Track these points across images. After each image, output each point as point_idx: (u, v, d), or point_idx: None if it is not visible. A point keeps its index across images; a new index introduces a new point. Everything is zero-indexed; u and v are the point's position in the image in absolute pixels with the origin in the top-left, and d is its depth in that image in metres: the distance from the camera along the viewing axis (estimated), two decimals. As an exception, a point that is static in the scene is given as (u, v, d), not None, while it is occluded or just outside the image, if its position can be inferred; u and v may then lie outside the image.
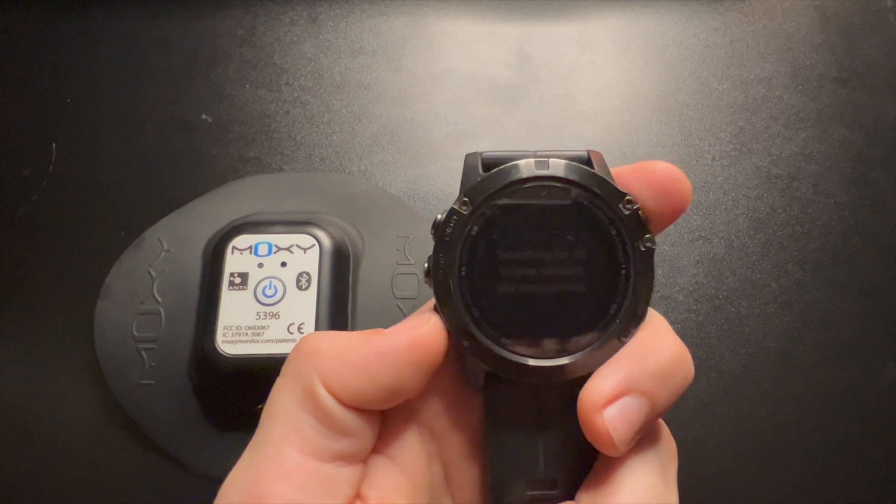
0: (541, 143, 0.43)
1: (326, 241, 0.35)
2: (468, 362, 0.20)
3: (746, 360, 0.38)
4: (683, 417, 0.37)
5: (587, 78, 0.45)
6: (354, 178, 0.41)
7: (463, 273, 0.19)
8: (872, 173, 0.43)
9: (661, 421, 0.20)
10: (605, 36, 0.46)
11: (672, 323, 0.39)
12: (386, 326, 0.19)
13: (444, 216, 0.19)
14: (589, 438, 0.18)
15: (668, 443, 0.20)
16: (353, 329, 0.35)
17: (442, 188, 0.42)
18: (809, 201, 0.42)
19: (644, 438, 0.19)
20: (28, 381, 0.36)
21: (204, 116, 0.43)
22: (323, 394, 0.18)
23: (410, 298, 0.36)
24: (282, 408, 0.18)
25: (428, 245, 0.39)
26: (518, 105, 0.44)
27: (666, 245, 0.40)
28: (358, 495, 0.18)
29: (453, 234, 0.19)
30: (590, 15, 0.47)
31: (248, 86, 0.45)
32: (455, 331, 0.19)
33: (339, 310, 0.34)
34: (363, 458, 0.19)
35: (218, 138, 0.43)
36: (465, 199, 0.19)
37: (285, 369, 0.19)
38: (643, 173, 0.19)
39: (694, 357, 0.38)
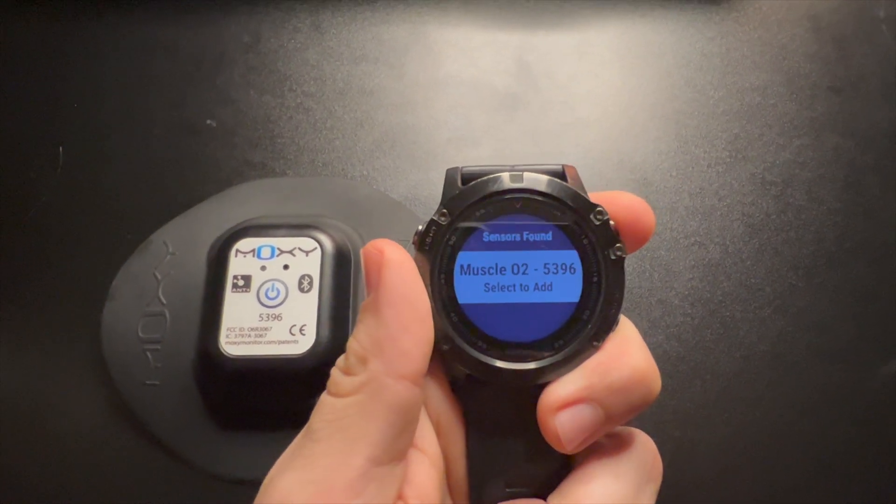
0: (539, 149, 0.44)
1: (328, 245, 0.36)
2: (449, 367, 0.21)
3: (741, 363, 0.39)
4: (678, 419, 0.37)
5: (585, 86, 0.46)
6: (356, 183, 0.42)
7: (442, 280, 0.20)
8: (865, 180, 0.43)
9: (650, 441, 0.21)
10: (603, 44, 0.47)
11: (668, 326, 0.39)
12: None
13: (424, 226, 0.20)
14: (543, 435, 0.19)
15: (650, 462, 0.20)
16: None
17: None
18: (803, 208, 0.43)
19: (625, 453, 0.20)
20: (36, 381, 0.37)
21: (209, 121, 0.44)
22: (393, 384, 0.18)
23: (411, 301, 0.37)
24: (348, 421, 0.18)
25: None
26: (518, 112, 0.45)
27: (662, 250, 0.41)
28: (400, 495, 0.19)
29: (433, 243, 0.20)
30: (588, 24, 0.48)
31: (252, 91, 0.45)
32: (435, 336, 0.20)
33: (340, 312, 0.35)
34: (407, 454, 0.19)
35: (223, 143, 0.44)
36: (444, 210, 0.20)
37: (339, 389, 0.19)
38: (608, 204, 0.20)
39: (689, 360, 0.39)
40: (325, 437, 0.18)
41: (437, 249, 0.20)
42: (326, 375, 0.35)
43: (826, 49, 0.47)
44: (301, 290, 0.35)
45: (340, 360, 0.20)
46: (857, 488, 0.37)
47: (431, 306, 0.20)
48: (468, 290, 0.20)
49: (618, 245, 0.20)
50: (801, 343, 0.39)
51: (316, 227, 0.37)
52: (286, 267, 0.35)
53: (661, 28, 0.47)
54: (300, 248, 0.36)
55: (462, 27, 0.47)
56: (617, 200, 0.20)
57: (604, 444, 0.20)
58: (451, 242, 0.20)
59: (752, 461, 0.37)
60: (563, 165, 0.21)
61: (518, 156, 0.44)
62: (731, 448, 0.37)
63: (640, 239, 0.21)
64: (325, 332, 0.34)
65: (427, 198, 0.42)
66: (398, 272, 0.19)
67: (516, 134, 0.44)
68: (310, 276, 0.35)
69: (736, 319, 0.40)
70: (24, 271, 0.40)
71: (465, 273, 0.20)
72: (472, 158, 0.44)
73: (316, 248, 0.36)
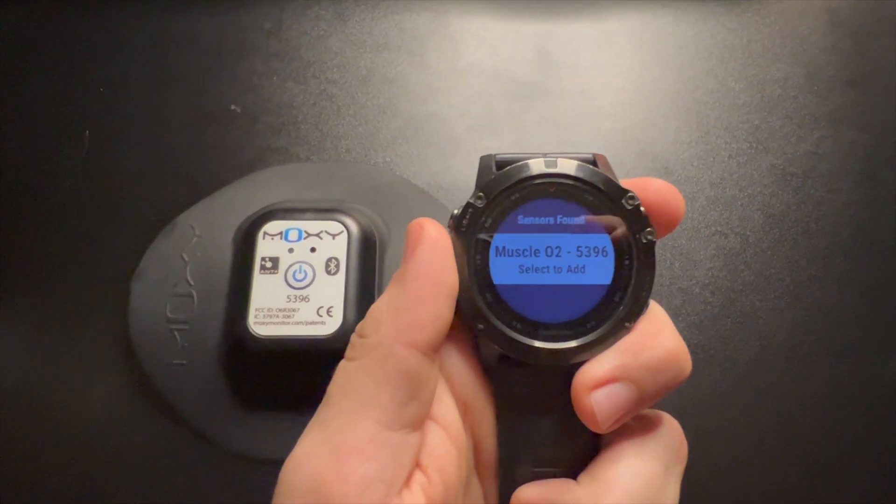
0: (559, 138, 0.44)
1: (354, 228, 0.36)
2: (482, 346, 0.21)
3: (759, 352, 0.39)
4: (697, 407, 0.38)
5: (606, 75, 0.46)
6: (379, 169, 0.42)
7: (478, 261, 0.20)
8: (881, 173, 0.44)
9: (676, 424, 0.21)
10: (623, 34, 0.47)
11: (688, 314, 0.40)
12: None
13: (460, 209, 0.21)
14: (577, 414, 0.20)
15: (677, 443, 0.21)
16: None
17: (464, 181, 0.43)
18: (822, 199, 0.43)
19: (653, 434, 0.20)
20: (62, 361, 0.37)
21: (233, 107, 0.45)
22: (401, 350, 0.19)
23: (435, 285, 0.37)
24: (357, 384, 0.19)
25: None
26: (538, 101, 0.45)
27: (683, 239, 0.41)
28: (417, 464, 0.19)
29: (469, 226, 0.20)
30: (609, 14, 0.48)
31: (275, 78, 0.46)
32: (470, 315, 0.20)
33: (366, 295, 0.35)
34: (422, 424, 0.20)
35: (246, 129, 0.44)
36: (481, 193, 0.20)
37: (353, 353, 0.20)
38: (639, 190, 0.21)
39: (708, 348, 0.39)
40: (337, 401, 0.19)
41: (474, 231, 0.20)
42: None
43: (844, 42, 0.47)
44: (328, 272, 0.35)
45: (358, 325, 0.20)
46: (868, 478, 0.37)
47: (468, 287, 0.20)
48: (503, 272, 0.20)
49: (648, 229, 0.20)
50: (818, 334, 0.40)
51: (342, 211, 0.37)
52: (313, 249, 0.36)
53: (682, 19, 0.47)
54: (327, 232, 0.36)
55: (483, 16, 0.48)
56: (647, 186, 0.21)
57: (632, 425, 0.21)
58: (486, 225, 0.20)
59: (767, 450, 0.37)
60: (594, 154, 0.21)
61: (538, 145, 0.44)
62: (746, 437, 0.37)
63: (670, 223, 0.21)
64: (352, 313, 0.34)
65: (449, 185, 0.43)
66: (431, 248, 0.20)
67: (536, 123, 0.45)
68: (336, 259, 0.35)
69: (755, 309, 0.40)
70: (49, 254, 0.40)
71: (501, 255, 0.20)
72: (493, 147, 0.44)
73: (343, 232, 0.36)
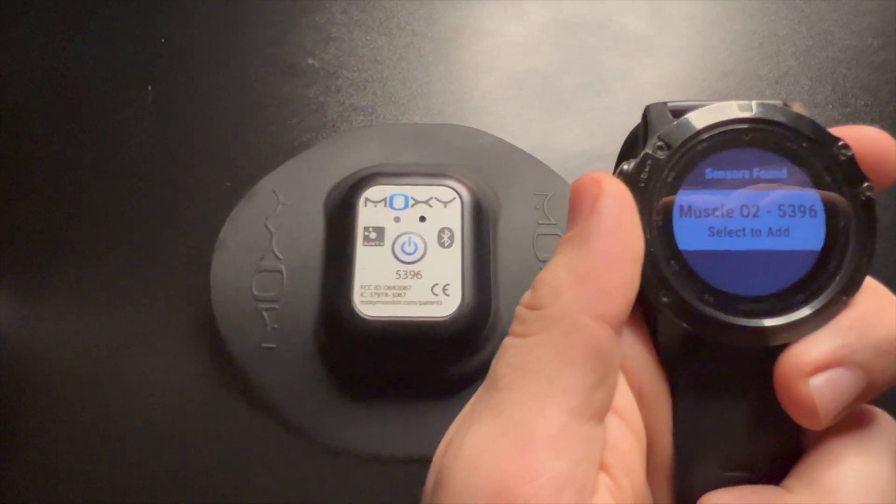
0: (679, 96, 0.39)
1: (467, 195, 0.32)
2: (662, 326, 0.17)
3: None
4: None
5: (726, 30, 0.41)
6: (480, 132, 0.38)
7: (660, 224, 0.17)
8: None
9: (892, 419, 0.17)
10: (747, -16, 0.42)
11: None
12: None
13: (634, 164, 0.17)
14: (785, 405, 0.16)
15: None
16: (497, 292, 0.32)
17: (574, 144, 0.38)
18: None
19: (873, 429, 0.17)
20: (138, 340, 0.33)
21: (310, 61, 0.40)
22: (590, 323, 0.16)
23: (554, 261, 0.33)
24: (540, 364, 0.15)
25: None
26: (652, 57, 0.41)
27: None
28: (601, 463, 0.16)
29: (648, 182, 0.17)
30: (727, -39, 0.43)
31: (356, 30, 0.41)
32: (653, 286, 0.17)
33: (483, 272, 0.31)
34: (606, 415, 0.16)
35: (327, 84, 0.39)
36: (661, 143, 0.17)
37: (525, 328, 0.16)
38: (846, 139, 0.17)
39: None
40: (513, 384, 0.16)
41: (654, 188, 0.17)
42: (471, 342, 0.30)
43: None
44: (441, 244, 0.31)
45: (526, 296, 0.17)
46: None
47: (650, 252, 0.17)
48: (690, 235, 0.17)
49: (866, 184, 0.17)
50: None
51: (450, 176, 0.33)
52: (423, 219, 0.31)
53: (813, -33, 0.42)
54: (437, 199, 0.32)
55: (586, -37, 0.43)
56: (857, 135, 0.17)
57: (842, 421, 0.16)
58: (669, 180, 0.17)
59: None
60: (784, 101, 0.18)
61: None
62: None
63: (885, 180, 0.17)
64: (471, 292, 0.30)
65: (556, 148, 0.38)
66: (616, 204, 0.16)
67: (651, 81, 0.40)
68: (450, 230, 0.31)
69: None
70: (120, 221, 0.36)
71: (686, 215, 0.17)
72: (606, 106, 0.39)
73: (455, 199, 0.32)
